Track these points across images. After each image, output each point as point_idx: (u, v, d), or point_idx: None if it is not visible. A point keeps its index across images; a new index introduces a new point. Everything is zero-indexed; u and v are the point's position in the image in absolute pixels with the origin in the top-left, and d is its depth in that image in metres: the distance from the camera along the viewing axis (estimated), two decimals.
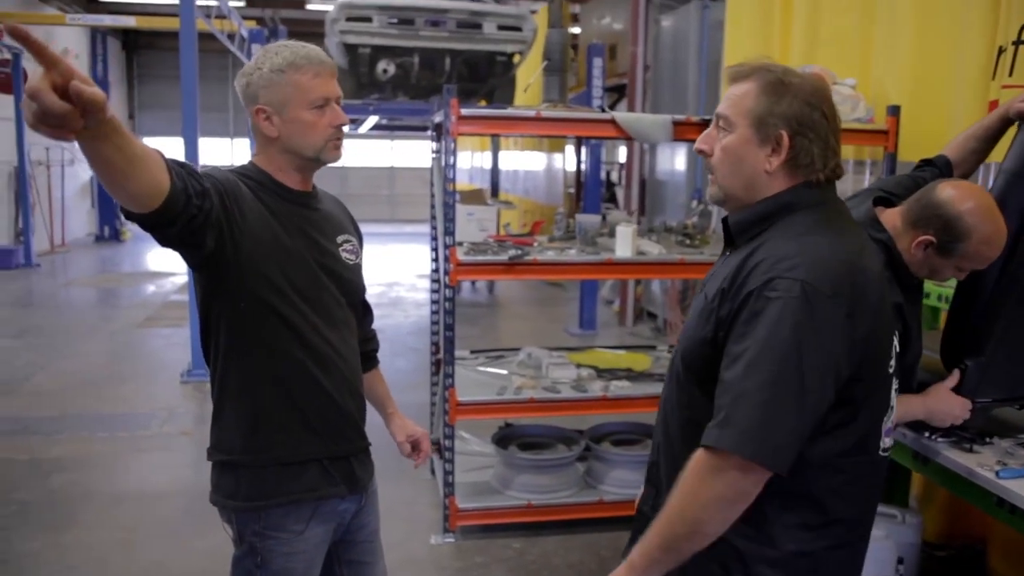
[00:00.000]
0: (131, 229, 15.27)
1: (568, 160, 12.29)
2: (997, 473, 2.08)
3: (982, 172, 2.97)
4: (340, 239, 1.89)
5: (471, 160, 17.44)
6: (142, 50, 19.48)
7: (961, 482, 2.21)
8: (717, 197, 1.56)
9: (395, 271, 12.08)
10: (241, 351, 1.76)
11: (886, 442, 1.56)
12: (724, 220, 1.58)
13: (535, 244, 4.03)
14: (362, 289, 1.99)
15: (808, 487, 1.44)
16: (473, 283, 10.81)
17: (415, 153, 21.15)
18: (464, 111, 3.44)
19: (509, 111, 3.66)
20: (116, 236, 15.60)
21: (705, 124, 1.56)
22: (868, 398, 1.46)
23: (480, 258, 3.56)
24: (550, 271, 3.65)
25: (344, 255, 1.88)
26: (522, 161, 14.35)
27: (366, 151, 20.95)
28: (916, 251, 2.01)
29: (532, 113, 3.54)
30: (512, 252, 3.59)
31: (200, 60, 6.17)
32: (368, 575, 2.02)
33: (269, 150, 1.79)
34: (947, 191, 1.98)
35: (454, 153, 3.54)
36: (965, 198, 1.96)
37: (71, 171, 14.65)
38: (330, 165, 1.84)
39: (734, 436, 1.33)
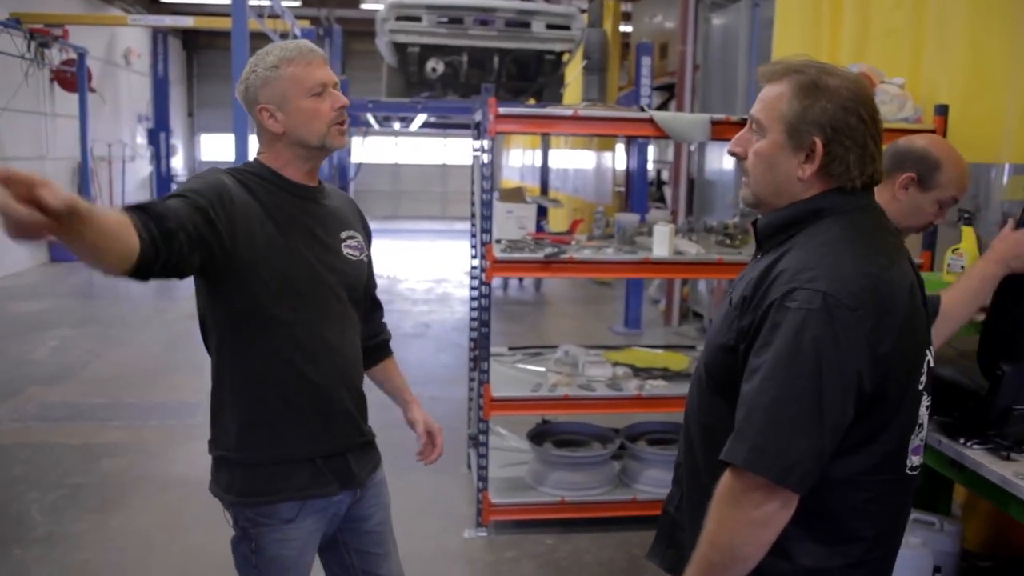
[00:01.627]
0: None
1: (618, 159, 12.24)
2: None
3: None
4: (344, 235, 1.90)
5: (522, 158, 17.47)
6: (202, 49, 19.97)
7: (997, 491, 2.15)
8: (750, 200, 1.54)
9: (444, 268, 12.17)
10: (234, 349, 1.80)
11: (914, 460, 1.49)
12: (753, 223, 1.56)
13: (573, 242, 4.04)
14: (365, 284, 1.99)
15: (827, 504, 1.40)
16: (520, 281, 10.85)
17: (468, 151, 21.19)
18: (502, 110, 3.45)
19: (547, 110, 3.67)
20: None
21: (744, 124, 1.53)
22: (893, 415, 1.41)
23: (516, 255, 3.58)
24: (586, 269, 3.65)
25: (346, 251, 1.89)
26: (572, 159, 14.33)
27: (419, 148, 20.87)
28: (901, 194, 2.13)
29: (569, 112, 3.55)
30: (548, 250, 3.61)
31: None
32: (378, 565, 2.03)
33: (276, 146, 1.81)
34: (904, 139, 2.21)
35: (491, 151, 3.56)
36: (923, 137, 2.23)
37: (131, 167, 15.09)
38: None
39: (743, 451, 1.32)
